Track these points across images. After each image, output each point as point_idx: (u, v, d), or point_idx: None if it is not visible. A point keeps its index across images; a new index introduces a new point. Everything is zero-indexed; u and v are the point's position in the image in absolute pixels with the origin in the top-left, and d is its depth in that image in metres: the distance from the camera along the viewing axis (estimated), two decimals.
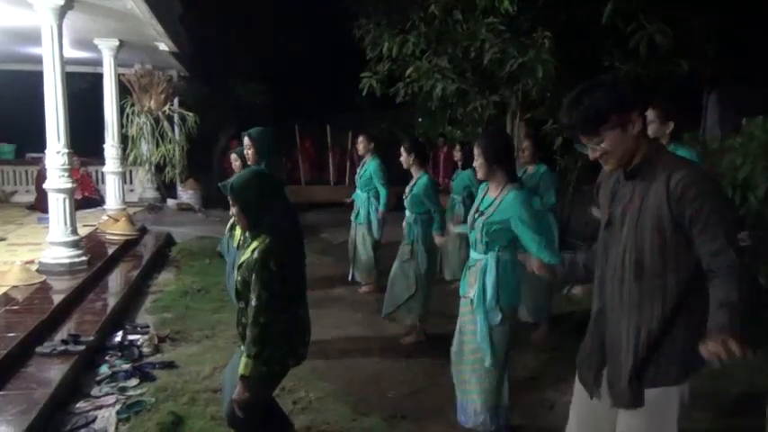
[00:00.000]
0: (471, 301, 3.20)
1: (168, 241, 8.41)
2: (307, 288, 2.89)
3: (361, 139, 6.38)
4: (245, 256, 2.67)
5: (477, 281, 3.16)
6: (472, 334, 3.23)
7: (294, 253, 2.71)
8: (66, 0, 5.58)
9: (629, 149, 1.91)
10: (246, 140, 4.21)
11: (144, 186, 11.21)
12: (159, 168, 10.36)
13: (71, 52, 8.56)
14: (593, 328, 2.11)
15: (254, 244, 2.63)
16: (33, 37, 6.09)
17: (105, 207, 8.90)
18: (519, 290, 3.21)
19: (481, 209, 3.18)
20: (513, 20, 5.79)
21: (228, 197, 2.66)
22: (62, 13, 5.67)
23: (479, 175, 3.21)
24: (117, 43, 8.28)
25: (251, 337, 2.56)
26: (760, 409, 2.68)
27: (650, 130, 3.39)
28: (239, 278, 2.68)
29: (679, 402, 1.96)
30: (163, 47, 8.79)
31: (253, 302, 2.55)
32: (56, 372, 3.83)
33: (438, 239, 4.80)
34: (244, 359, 2.58)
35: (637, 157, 1.94)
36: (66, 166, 5.86)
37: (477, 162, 3.16)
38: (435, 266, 5.01)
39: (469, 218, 3.29)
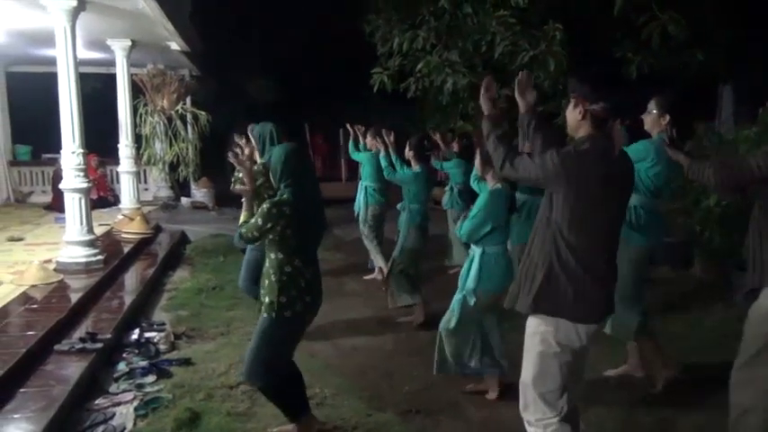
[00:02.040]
0: None
1: (183, 239, 8.48)
2: (317, 256, 3.20)
3: (368, 136, 6.55)
4: None
5: (466, 265, 3.68)
6: None
7: (305, 213, 3.01)
8: (79, 2, 5.63)
9: (572, 123, 2.54)
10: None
11: (158, 185, 11.29)
12: (173, 167, 10.42)
13: (84, 53, 8.64)
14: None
15: None
16: (47, 39, 6.13)
17: (120, 206, 8.98)
18: (503, 280, 3.52)
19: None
20: (524, 12, 5.76)
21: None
22: (75, 14, 5.72)
23: (478, 171, 3.73)
24: (129, 43, 8.34)
25: (244, 230, 3.02)
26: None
27: (647, 120, 3.78)
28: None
29: (545, 338, 2.48)
30: (174, 46, 8.85)
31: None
32: (74, 369, 3.89)
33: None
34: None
35: (582, 135, 2.51)
36: (81, 166, 5.92)
37: (476, 160, 3.70)
38: (414, 252, 5.23)
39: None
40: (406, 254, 5.18)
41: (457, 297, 3.70)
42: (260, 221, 2.92)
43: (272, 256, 3.02)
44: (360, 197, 6.60)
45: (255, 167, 4.34)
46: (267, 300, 3.01)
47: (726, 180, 2.85)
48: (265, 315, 3.03)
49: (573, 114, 2.50)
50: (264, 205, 2.94)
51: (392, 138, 5.47)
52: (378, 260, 6.55)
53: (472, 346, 3.73)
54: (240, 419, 3.50)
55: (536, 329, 2.54)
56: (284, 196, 2.98)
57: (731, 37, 5.95)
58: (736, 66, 7.11)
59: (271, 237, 2.96)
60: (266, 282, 3.04)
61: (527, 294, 2.51)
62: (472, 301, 3.57)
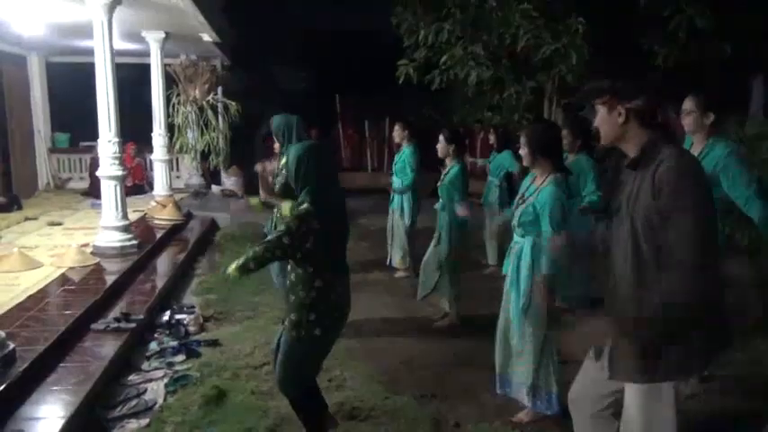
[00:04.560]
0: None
1: (212, 226, 8.72)
2: (348, 267, 3.00)
3: (396, 127, 6.44)
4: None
5: (513, 262, 3.31)
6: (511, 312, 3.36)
7: (333, 223, 2.77)
8: None
9: (612, 132, 2.10)
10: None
11: (190, 173, 11.58)
12: (204, 156, 10.68)
13: (121, 44, 8.91)
14: (607, 302, 2.21)
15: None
16: (86, 31, 6.36)
17: (153, 193, 9.27)
18: (554, 264, 3.24)
19: (526, 196, 3.30)
20: (548, 5, 5.76)
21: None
22: (112, 7, 5.93)
23: (524, 162, 3.33)
24: (163, 35, 8.57)
25: (256, 251, 2.72)
26: None
27: (689, 121, 3.40)
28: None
29: (676, 385, 2.05)
30: (206, 38, 9.06)
31: (275, 235, 2.71)
32: (109, 347, 4.11)
33: (461, 211, 4.80)
34: (236, 263, 2.75)
35: (631, 146, 2.08)
36: (117, 155, 6.15)
37: (523, 151, 3.28)
38: (457, 251, 5.02)
39: (515, 203, 3.41)
40: (452, 257, 4.91)
41: (512, 299, 3.32)
42: (293, 224, 2.64)
43: (300, 270, 2.74)
44: (403, 195, 6.24)
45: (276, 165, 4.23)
46: (294, 317, 2.72)
47: None
48: (294, 334, 2.77)
49: (611, 120, 2.06)
50: (304, 221, 2.64)
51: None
52: (402, 262, 6.41)
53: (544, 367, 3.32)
54: (263, 398, 3.67)
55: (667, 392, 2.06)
56: (305, 206, 2.68)
57: (760, 27, 5.80)
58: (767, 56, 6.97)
59: (299, 254, 2.68)
60: (292, 297, 2.76)
61: (698, 350, 1.98)
62: (530, 300, 3.21)
